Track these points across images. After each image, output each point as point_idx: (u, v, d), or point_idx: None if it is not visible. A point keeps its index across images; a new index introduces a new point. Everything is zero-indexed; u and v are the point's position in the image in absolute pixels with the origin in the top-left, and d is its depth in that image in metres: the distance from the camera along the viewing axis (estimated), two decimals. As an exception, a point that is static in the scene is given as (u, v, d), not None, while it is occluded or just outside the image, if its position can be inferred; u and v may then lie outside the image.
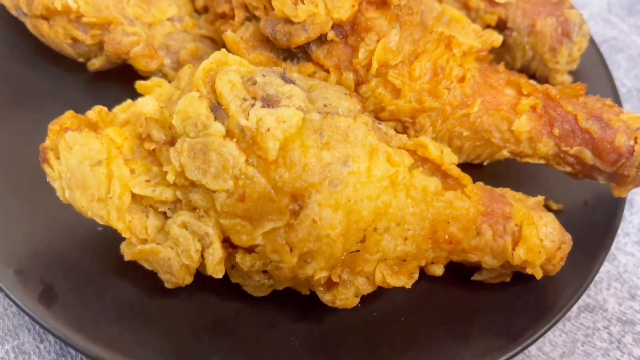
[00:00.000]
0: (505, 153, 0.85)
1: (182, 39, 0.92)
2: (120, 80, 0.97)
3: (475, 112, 0.81)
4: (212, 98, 0.69)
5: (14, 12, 0.89)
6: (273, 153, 0.65)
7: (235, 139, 0.66)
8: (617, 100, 1.04)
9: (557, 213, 0.91)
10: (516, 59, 1.03)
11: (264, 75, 0.71)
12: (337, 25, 0.78)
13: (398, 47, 0.78)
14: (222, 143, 0.65)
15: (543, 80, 1.04)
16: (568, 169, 0.84)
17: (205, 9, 0.95)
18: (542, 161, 0.85)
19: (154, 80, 0.80)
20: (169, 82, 0.93)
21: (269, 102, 0.68)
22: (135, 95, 0.99)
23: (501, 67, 0.87)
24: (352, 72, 0.79)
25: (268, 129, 0.65)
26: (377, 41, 0.78)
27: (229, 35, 0.82)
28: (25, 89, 0.95)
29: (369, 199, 0.68)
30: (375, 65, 0.77)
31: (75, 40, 0.88)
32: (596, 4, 1.35)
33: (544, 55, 1.00)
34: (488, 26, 1.02)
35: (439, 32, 0.82)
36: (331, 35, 0.78)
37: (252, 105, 0.67)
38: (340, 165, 0.67)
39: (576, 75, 1.04)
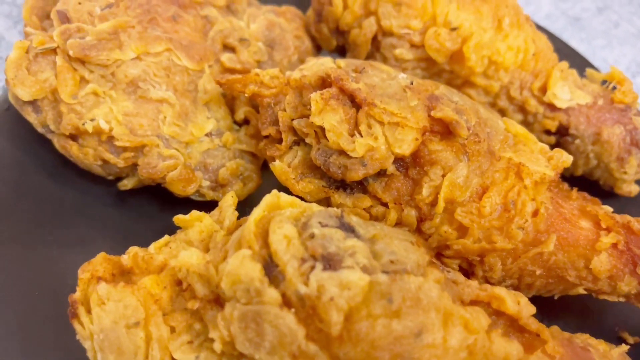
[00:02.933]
0: (581, 290, 0.76)
1: (221, 155, 0.84)
2: (150, 193, 0.90)
3: (549, 250, 0.73)
4: (265, 255, 0.61)
5: (40, 130, 0.82)
6: (337, 327, 0.57)
7: (293, 309, 0.58)
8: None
9: (633, 347, 0.83)
10: (578, 166, 0.95)
11: (321, 225, 0.63)
12: (398, 159, 0.70)
13: (466, 181, 0.70)
14: (279, 314, 0.57)
15: (607, 188, 0.96)
16: (653, 309, 0.76)
17: (246, 121, 0.87)
18: (622, 299, 0.77)
19: (194, 214, 0.73)
20: (206, 201, 0.86)
21: (330, 261, 0.60)
22: (166, 210, 0.91)
23: (574, 193, 0.79)
24: (414, 208, 0.71)
25: (331, 298, 0.57)
26: (443, 175, 0.70)
27: (277, 165, 0.74)
28: (49, 205, 0.87)
29: (446, 374, 0.59)
30: (442, 204, 0.69)
31: (106, 162, 0.80)
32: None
33: (610, 165, 0.92)
34: (547, 132, 0.95)
35: (507, 159, 0.74)
36: (391, 169, 0.70)
37: (312, 268, 0.59)
38: (413, 337, 0.58)
39: (641, 181, 0.97)
